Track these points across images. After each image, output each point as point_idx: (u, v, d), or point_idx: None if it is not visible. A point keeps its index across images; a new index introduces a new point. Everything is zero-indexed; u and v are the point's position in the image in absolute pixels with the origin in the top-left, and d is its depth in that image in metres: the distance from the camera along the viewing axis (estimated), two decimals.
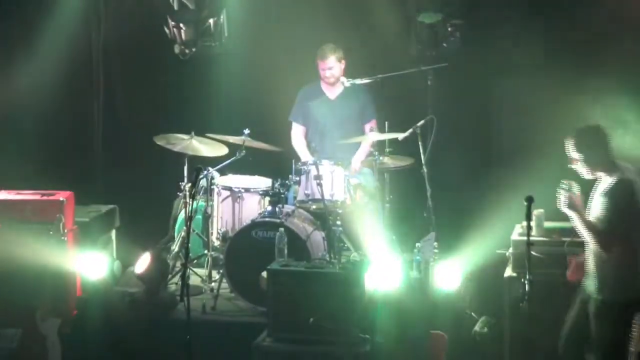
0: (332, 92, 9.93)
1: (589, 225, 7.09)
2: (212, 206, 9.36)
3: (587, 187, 7.31)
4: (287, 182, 9.34)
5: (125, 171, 10.33)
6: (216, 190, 9.47)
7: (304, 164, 9.44)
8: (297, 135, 10.07)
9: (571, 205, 7.13)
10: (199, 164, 8.66)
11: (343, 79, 9.74)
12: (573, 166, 7.30)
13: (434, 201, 9.25)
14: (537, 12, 9.64)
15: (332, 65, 9.78)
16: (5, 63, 10.05)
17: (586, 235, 7.12)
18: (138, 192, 10.28)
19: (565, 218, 8.51)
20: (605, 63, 9.47)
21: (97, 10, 10.47)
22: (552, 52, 9.69)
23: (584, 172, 7.30)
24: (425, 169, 9.25)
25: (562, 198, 7.14)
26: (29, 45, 10.14)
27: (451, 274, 8.51)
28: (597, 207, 7.20)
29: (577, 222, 7.14)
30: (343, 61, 9.81)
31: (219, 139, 9.47)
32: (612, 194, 7.10)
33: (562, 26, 9.63)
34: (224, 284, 9.08)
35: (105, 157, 10.33)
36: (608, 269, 7.12)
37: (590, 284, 7.22)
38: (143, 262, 8.75)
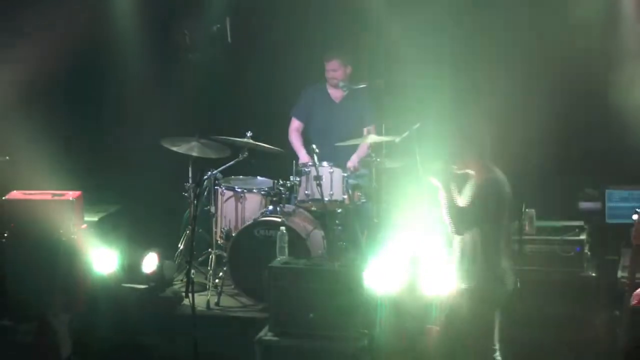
0: (337, 95, 9.94)
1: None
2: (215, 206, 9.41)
3: None
4: (288, 182, 9.38)
5: (132, 172, 10.34)
6: (220, 190, 9.49)
7: (305, 165, 9.47)
8: (294, 131, 10.07)
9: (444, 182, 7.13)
10: (203, 165, 8.73)
11: (341, 83, 9.76)
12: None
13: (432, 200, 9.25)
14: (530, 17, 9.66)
15: (336, 68, 9.78)
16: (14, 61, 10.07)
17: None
18: (144, 192, 10.29)
19: (556, 217, 8.61)
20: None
21: (105, 11, 10.44)
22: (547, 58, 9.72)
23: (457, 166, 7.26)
24: (421, 172, 9.24)
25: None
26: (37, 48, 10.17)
27: (445, 272, 8.52)
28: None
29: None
30: (349, 66, 9.81)
31: (222, 141, 9.49)
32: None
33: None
34: (228, 281, 9.11)
35: (113, 158, 10.33)
36: None
37: None
38: (151, 261, 8.80)
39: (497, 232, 6.94)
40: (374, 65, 10.14)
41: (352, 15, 10.15)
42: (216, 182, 9.47)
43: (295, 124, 10.07)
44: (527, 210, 8.05)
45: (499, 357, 7.12)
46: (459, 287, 7.10)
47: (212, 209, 9.38)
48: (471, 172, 7.16)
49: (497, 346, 7.13)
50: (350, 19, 10.15)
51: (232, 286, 9.08)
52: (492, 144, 7.13)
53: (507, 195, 7.02)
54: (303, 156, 9.82)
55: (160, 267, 9.00)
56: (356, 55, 9.97)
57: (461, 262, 7.09)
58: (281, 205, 9.21)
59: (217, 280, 9.15)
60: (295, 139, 10.04)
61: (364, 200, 9.55)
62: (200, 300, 8.81)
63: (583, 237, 8.30)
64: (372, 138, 9.50)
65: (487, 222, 6.88)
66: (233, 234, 9.15)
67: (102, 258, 8.73)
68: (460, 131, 7.17)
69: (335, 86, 9.83)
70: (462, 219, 6.99)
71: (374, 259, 8.25)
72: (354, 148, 9.83)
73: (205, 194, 9.40)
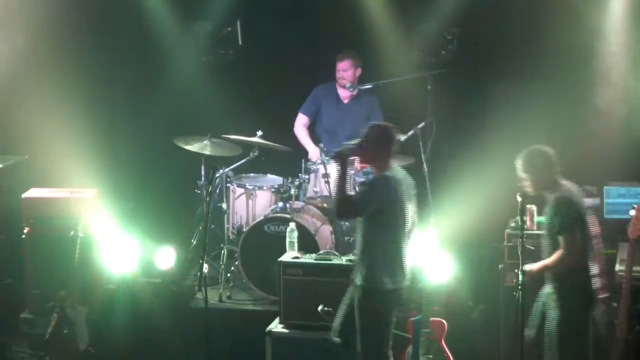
0: (345, 96, 9.94)
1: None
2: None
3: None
4: (297, 180, 9.40)
5: (147, 170, 10.36)
6: (231, 188, 9.51)
7: (313, 163, 9.48)
8: (301, 126, 10.02)
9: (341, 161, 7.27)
10: (215, 163, 8.74)
11: (348, 84, 9.77)
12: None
13: (433, 197, 9.27)
14: (529, 24, 9.64)
15: (347, 68, 9.76)
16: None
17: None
18: (159, 189, 10.31)
19: None
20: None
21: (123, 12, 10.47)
22: (542, 61, 9.71)
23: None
24: (425, 168, 9.27)
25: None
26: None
27: (449, 265, 8.53)
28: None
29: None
30: (359, 69, 9.80)
31: (233, 140, 9.51)
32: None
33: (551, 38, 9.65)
34: (239, 275, 9.13)
35: (128, 157, 10.35)
36: None
37: None
38: (166, 256, 8.82)
39: None
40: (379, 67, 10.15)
41: (361, 17, 10.15)
42: (228, 179, 9.49)
43: (301, 120, 10.03)
44: (527, 206, 8.03)
45: None
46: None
47: (224, 206, 9.40)
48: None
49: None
50: (359, 21, 10.15)
51: (244, 280, 9.10)
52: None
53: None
54: (313, 153, 9.80)
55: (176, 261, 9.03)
56: (362, 56, 9.98)
57: None
58: (290, 202, 9.23)
59: (229, 275, 9.18)
60: (303, 134, 9.98)
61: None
62: (213, 293, 8.82)
63: None
64: None
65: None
66: (244, 230, 9.17)
67: (118, 253, 8.75)
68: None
69: (344, 86, 9.83)
70: (346, 207, 7.23)
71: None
72: None
73: (217, 191, 9.42)
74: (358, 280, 7.26)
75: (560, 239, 7.14)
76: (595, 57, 9.61)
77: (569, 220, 7.14)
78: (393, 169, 7.36)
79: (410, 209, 7.36)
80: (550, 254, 7.24)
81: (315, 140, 9.90)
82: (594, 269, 7.28)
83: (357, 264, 7.36)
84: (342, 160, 7.24)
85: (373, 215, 7.16)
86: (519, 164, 7.32)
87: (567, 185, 7.35)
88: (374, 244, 7.24)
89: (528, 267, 7.23)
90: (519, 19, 9.68)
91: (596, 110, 9.54)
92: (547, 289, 7.31)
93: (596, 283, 7.29)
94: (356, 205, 7.24)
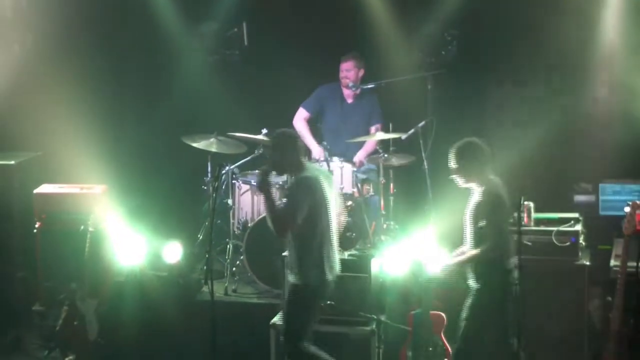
0: (349, 96, 9.94)
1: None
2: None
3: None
4: None
5: (155, 167, 10.38)
6: (237, 184, 9.52)
7: (317, 161, 9.48)
8: (301, 120, 10.00)
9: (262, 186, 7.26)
10: (221, 160, 8.75)
11: (351, 83, 9.79)
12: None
13: (433, 194, 9.27)
14: (526, 27, 9.64)
15: (350, 69, 9.77)
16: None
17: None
18: (166, 186, 10.32)
19: (552, 210, 8.60)
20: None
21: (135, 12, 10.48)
22: (538, 62, 9.72)
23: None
24: (425, 166, 9.26)
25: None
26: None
27: (448, 260, 8.54)
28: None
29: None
30: (362, 70, 9.81)
31: (239, 138, 9.51)
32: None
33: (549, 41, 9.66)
34: (244, 269, 9.14)
35: (137, 154, 10.36)
36: None
37: None
38: (173, 250, 8.83)
39: None
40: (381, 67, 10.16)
41: (364, 19, 10.16)
42: (233, 176, 9.51)
43: (302, 114, 10.00)
44: (525, 203, 8.03)
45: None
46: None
47: (230, 202, 9.41)
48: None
49: None
50: (362, 23, 10.16)
51: (249, 274, 9.11)
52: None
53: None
54: (316, 151, 9.81)
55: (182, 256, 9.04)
56: (364, 57, 9.98)
57: None
58: None
59: (234, 269, 9.19)
60: (305, 130, 9.95)
61: (372, 194, 9.56)
62: (219, 287, 8.84)
63: (578, 228, 8.29)
64: (380, 135, 9.54)
65: None
66: (249, 225, 9.18)
67: (127, 247, 8.77)
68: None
69: (347, 86, 9.84)
70: (282, 224, 7.21)
71: (382, 249, 8.27)
72: (362, 144, 9.84)
73: (223, 187, 9.43)
74: (289, 276, 7.38)
75: (485, 232, 7.14)
76: (591, 58, 9.62)
77: (494, 215, 7.15)
78: (308, 168, 7.40)
79: (332, 202, 7.42)
80: (473, 246, 7.27)
81: (319, 138, 9.90)
82: (513, 262, 7.25)
83: (287, 260, 7.43)
84: (263, 186, 7.24)
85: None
86: (450, 155, 7.33)
87: (495, 180, 7.33)
88: (301, 241, 7.28)
89: (452, 257, 7.37)
90: (517, 21, 9.68)
91: (592, 109, 9.55)
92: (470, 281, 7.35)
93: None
94: (288, 217, 7.23)
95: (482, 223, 7.20)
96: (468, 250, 7.35)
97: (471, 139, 7.43)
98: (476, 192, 7.31)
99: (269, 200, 7.23)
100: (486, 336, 7.29)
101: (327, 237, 7.37)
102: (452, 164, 7.34)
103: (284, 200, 7.37)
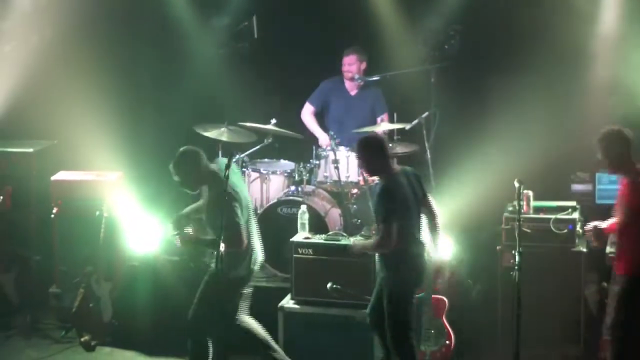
0: (352, 88, 9.92)
1: None
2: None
3: None
4: (308, 165, 9.41)
5: (168, 155, 10.35)
6: (247, 172, 9.51)
7: (323, 149, 9.48)
8: (307, 114, 9.99)
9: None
10: (232, 149, 8.72)
11: (356, 75, 9.78)
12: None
13: (436, 182, 9.27)
14: (527, 21, 9.61)
15: (352, 62, 9.76)
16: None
17: None
18: None
19: (552, 197, 8.59)
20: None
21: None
22: (539, 55, 9.70)
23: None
24: (428, 155, 9.26)
25: None
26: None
27: (451, 246, 8.54)
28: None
29: None
30: (364, 63, 9.79)
31: (249, 127, 9.50)
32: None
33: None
34: None
35: (151, 142, 10.36)
36: None
37: None
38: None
39: None
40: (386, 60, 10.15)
41: (369, 13, 10.14)
42: (243, 164, 9.49)
43: (308, 109, 10.00)
44: (524, 191, 8.02)
45: None
46: None
47: None
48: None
49: None
50: (367, 17, 10.14)
51: None
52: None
53: None
54: (323, 139, 9.79)
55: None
56: (368, 50, 9.96)
57: None
58: (302, 185, 9.24)
59: None
60: (312, 121, 9.97)
61: (377, 182, 9.54)
62: None
63: (575, 216, 8.29)
64: (385, 126, 9.53)
65: None
66: (259, 212, 9.17)
67: (141, 232, 8.78)
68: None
69: (350, 79, 9.83)
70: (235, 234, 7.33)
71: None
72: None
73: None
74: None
75: (379, 225, 7.11)
76: (588, 51, 9.59)
77: (387, 213, 7.06)
78: (213, 166, 7.55)
79: (245, 193, 7.56)
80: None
81: (325, 129, 9.90)
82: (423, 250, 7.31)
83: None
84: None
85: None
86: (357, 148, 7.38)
87: (397, 172, 7.29)
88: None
89: (355, 243, 7.51)
90: (518, 16, 9.66)
91: (589, 101, 9.52)
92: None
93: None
94: (238, 224, 7.32)
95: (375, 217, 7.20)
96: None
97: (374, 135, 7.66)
98: (377, 186, 7.32)
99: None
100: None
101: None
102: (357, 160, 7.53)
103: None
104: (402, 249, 7.09)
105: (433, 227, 7.39)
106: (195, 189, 7.66)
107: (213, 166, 7.54)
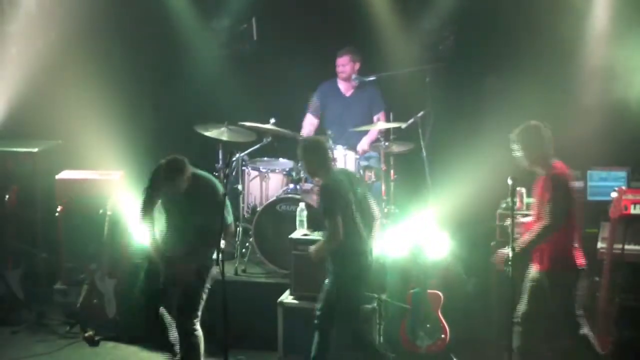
0: (347, 89, 9.94)
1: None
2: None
3: None
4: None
5: (169, 154, 10.34)
6: (246, 171, 9.52)
7: None
8: (307, 126, 10.01)
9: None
10: (232, 148, 8.73)
11: (354, 75, 9.79)
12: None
13: (431, 180, 9.28)
14: (520, 22, 9.61)
15: (346, 63, 9.79)
16: None
17: None
18: None
19: None
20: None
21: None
22: (531, 55, 9.70)
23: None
24: (424, 153, 9.27)
25: None
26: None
27: (446, 242, 8.55)
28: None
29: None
30: (358, 63, 9.81)
31: (248, 127, 9.50)
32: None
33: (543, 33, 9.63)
34: (253, 250, 9.14)
35: (152, 142, 10.36)
36: None
37: None
38: None
39: None
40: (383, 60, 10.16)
41: (366, 15, 10.15)
42: (243, 163, 9.49)
43: (308, 120, 10.03)
44: (517, 188, 8.02)
45: None
46: None
47: (240, 187, 9.40)
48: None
49: None
50: (364, 18, 10.14)
51: (257, 255, 9.11)
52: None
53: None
54: None
55: None
56: (365, 51, 9.97)
57: None
58: (301, 184, 9.24)
59: (244, 250, 9.19)
60: (307, 133, 9.98)
61: (374, 180, 9.56)
62: (229, 267, 8.80)
63: None
64: (381, 125, 9.54)
65: None
66: (258, 209, 9.18)
67: (143, 230, 8.77)
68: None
69: (345, 80, 9.84)
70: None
71: (383, 231, 8.27)
72: (365, 133, 9.84)
73: (234, 173, 9.42)
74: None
75: (325, 222, 7.25)
76: (580, 50, 9.59)
77: (330, 207, 7.23)
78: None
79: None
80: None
81: (323, 129, 9.92)
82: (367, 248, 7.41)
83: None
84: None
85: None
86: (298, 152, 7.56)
87: (336, 171, 7.53)
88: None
89: (310, 249, 7.53)
90: (511, 17, 9.65)
91: (581, 100, 9.52)
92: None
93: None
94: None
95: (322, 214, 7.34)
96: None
97: (316, 138, 7.83)
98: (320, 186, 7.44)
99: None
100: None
101: (175, 223, 7.66)
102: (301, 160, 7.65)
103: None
104: (346, 245, 7.27)
105: (372, 227, 7.55)
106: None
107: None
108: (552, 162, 7.31)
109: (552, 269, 7.15)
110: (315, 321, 7.47)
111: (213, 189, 7.45)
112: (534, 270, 7.26)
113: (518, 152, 7.33)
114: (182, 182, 7.37)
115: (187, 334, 7.47)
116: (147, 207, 7.47)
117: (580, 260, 7.19)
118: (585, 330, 7.23)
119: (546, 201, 7.11)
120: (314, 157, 7.44)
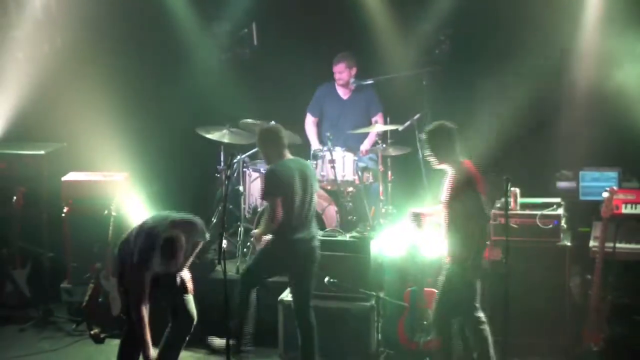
0: (344, 92, 9.95)
1: None
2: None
3: None
4: None
5: (173, 156, 10.39)
6: (247, 172, 9.53)
7: (320, 150, 9.50)
8: (309, 124, 10.08)
9: None
10: (233, 150, 8.76)
11: (352, 79, 9.81)
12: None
13: (428, 181, 9.28)
14: (513, 27, 9.61)
15: (342, 71, 9.81)
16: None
17: None
18: (183, 173, 10.33)
19: (538, 194, 8.60)
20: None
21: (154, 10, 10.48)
22: (524, 58, 9.72)
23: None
24: (421, 155, 9.28)
25: None
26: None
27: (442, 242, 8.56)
28: None
29: None
30: (354, 68, 9.83)
31: (251, 124, 9.50)
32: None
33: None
34: (254, 250, 9.13)
35: (156, 144, 10.37)
36: None
37: None
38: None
39: None
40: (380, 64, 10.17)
41: (364, 20, 10.16)
42: (244, 164, 9.52)
43: (310, 119, 10.09)
44: (511, 189, 8.04)
45: None
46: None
47: (241, 188, 9.42)
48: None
49: None
50: (362, 23, 10.15)
51: None
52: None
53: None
54: (314, 145, 9.91)
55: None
56: (362, 55, 9.98)
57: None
58: None
59: (245, 249, 9.20)
60: (310, 131, 10.05)
61: (371, 181, 9.58)
62: (231, 266, 8.82)
63: (560, 212, 8.30)
64: (378, 127, 9.56)
65: None
66: (259, 210, 9.19)
67: None
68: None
69: (343, 86, 9.87)
70: None
71: (380, 231, 8.29)
72: (363, 136, 9.85)
73: (235, 175, 9.44)
74: None
75: (266, 202, 7.65)
76: (572, 53, 9.59)
77: (269, 190, 7.58)
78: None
79: None
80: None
81: (322, 132, 9.94)
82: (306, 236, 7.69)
83: None
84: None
85: None
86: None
87: (288, 159, 7.77)
88: None
89: (253, 232, 7.93)
90: (505, 22, 9.65)
91: (573, 102, 9.54)
92: None
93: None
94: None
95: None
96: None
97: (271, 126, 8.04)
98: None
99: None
100: None
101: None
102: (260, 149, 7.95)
103: None
104: (283, 226, 7.59)
105: (312, 219, 7.88)
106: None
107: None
108: (460, 160, 7.34)
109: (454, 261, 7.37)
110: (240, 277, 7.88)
111: None
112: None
113: (428, 152, 7.38)
114: None
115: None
116: None
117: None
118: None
119: (460, 198, 7.23)
120: (268, 144, 7.75)
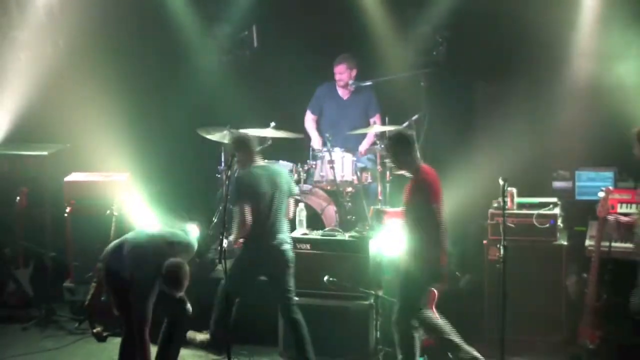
0: (344, 93, 9.96)
1: None
2: None
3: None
4: (306, 165, 9.46)
5: (174, 157, 10.39)
6: None
7: (320, 150, 9.51)
8: (309, 121, 10.09)
9: None
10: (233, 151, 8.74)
11: (351, 81, 9.82)
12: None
13: None
14: (510, 28, 9.62)
15: (343, 72, 9.82)
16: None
17: None
18: (184, 174, 10.34)
19: (534, 194, 8.61)
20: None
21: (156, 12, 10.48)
22: (521, 60, 9.72)
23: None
24: (419, 155, 9.26)
25: None
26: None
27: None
28: None
29: None
30: (354, 70, 9.83)
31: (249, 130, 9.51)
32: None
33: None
34: None
35: (157, 145, 10.38)
36: None
37: None
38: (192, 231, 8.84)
39: None
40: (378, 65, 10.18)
41: (362, 22, 10.16)
42: None
43: (309, 116, 10.09)
44: (508, 188, 8.05)
45: None
46: None
47: None
48: None
49: None
50: (361, 25, 10.16)
51: None
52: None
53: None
54: (315, 141, 9.88)
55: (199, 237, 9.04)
56: (361, 56, 9.99)
57: None
58: (300, 185, 9.26)
59: None
60: (310, 128, 10.05)
61: (370, 181, 9.58)
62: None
63: (556, 211, 8.31)
64: (377, 128, 9.56)
65: None
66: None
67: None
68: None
69: (343, 87, 9.87)
70: None
71: (379, 231, 8.29)
72: (362, 136, 9.86)
73: (235, 175, 9.42)
74: None
75: (235, 208, 7.67)
76: (569, 54, 9.59)
77: (236, 196, 7.62)
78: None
79: None
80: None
81: (321, 132, 9.95)
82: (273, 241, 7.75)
83: None
84: None
85: None
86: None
87: (258, 165, 7.83)
88: None
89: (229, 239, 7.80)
90: (502, 24, 9.65)
91: (569, 103, 9.54)
92: None
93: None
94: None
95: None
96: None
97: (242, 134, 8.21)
98: None
99: None
100: None
101: None
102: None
103: None
104: (252, 231, 7.67)
105: (285, 222, 7.96)
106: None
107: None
108: (419, 166, 7.36)
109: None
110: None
111: None
112: None
113: (388, 159, 7.44)
114: None
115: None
116: None
117: None
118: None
119: (416, 203, 7.32)
120: (239, 150, 7.81)
